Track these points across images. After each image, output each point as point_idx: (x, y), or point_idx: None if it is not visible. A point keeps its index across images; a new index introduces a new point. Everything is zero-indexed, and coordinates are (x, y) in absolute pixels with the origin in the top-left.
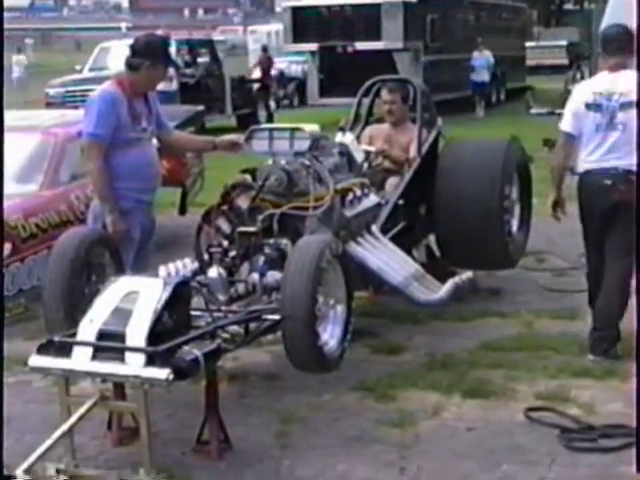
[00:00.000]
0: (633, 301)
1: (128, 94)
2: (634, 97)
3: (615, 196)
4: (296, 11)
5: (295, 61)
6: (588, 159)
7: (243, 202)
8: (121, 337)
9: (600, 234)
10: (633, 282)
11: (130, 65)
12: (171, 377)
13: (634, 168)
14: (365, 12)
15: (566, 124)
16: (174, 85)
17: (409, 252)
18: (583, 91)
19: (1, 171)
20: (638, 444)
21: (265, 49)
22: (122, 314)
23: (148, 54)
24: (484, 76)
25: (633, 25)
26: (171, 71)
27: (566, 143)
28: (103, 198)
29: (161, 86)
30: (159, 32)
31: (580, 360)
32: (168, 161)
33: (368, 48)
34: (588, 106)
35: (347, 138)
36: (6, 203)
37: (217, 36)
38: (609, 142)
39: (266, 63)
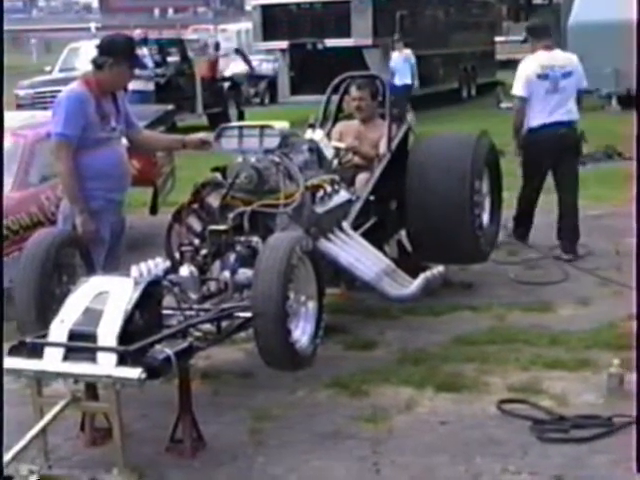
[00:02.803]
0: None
1: (96, 93)
2: (571, 68)
3: (568, 141)
4: (266, 9)
5: (266, 59)
6: (541, 115)
7: (214, 200)
8: (92, 337)
9: (545, 172)
10: None
11: (95, 63)
12: (143, 376)
13: (576, 119)
14: (334, 9)
15: (520, 90)
16: (150, 85)
17: (380, 248)
18: (532, 65)
19: (1, 171)
20: (638, 444)
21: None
22: (93, 314)
23: (112, 52)
24: (406, 79)
25: (604, 17)
26: (148, 71)
27: (521, 105)
28: (72, 199)
29: (139, 86)
30: (137, 32)
31: (552, 352)
32: (138, 161)
33: (338, 45)
34: (539, 76)
35: (317, 135)
36: None
37: (190, 35)
38: (556, 102)
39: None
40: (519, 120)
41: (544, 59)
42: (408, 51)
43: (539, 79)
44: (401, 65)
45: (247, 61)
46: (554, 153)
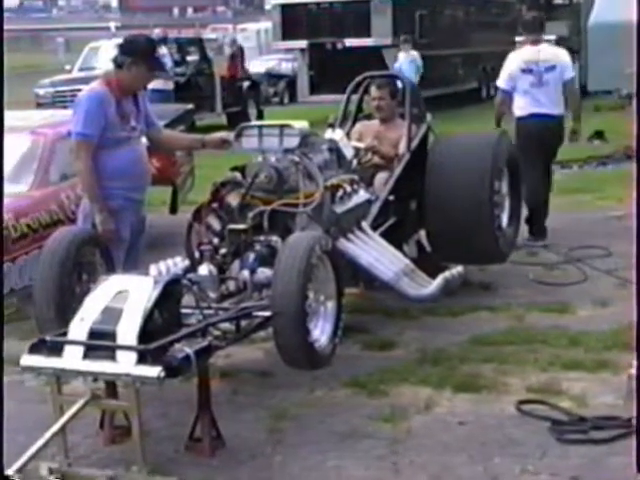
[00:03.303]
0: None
1: (116, 93)
2: (554, 62)
3: (554, 133)
4: (285, 8)
5: (285, 59)
6: (527, 107)
7: (233, 199)
8: (112, 336)
9: (537, 157)
10: None
11: (115, 63)
12: (162, 375)
13: (562, 114)
14: (354, 9)
15: (503, 83)
16: (170, 84)
17: (400, 248)
18: (517, 60)
19: (1, 171)
20: (638, 444)
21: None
22: (113, 313)
23: (132, 52)
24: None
25: (625, 18)
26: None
27: (502, 97)
28: (92, 197)
29: (159, 85)
30: (156, 31)
31: (571, 353)
32: (158, 160)
33: (358, 45)
34: (523, 70)
35: (336, 134)
36: None
37: (208, 34)
38: (542, 94)
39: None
40: (500, 111)
41: (528, 54)
42: (415, 53)
43: (523, 73)
44: (407, 66)
45: (242, 59)
46: (543, 141)
